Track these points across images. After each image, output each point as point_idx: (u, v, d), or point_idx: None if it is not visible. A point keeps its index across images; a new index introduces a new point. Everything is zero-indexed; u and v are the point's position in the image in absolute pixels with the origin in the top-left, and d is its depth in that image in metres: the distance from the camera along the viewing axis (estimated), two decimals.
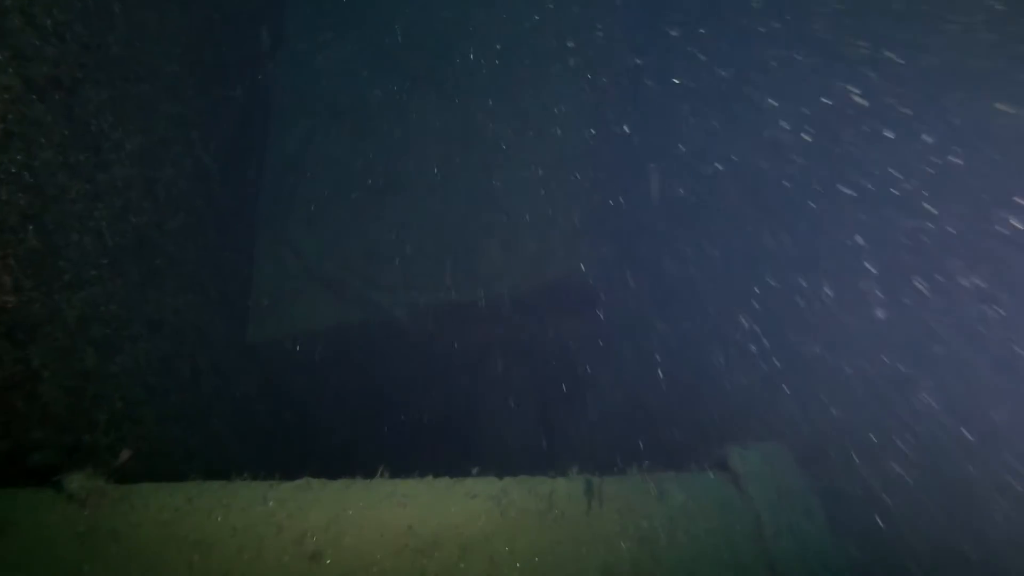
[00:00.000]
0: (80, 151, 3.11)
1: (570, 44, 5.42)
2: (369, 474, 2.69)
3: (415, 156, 5.47)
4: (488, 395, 5.08)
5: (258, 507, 2.46)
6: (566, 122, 5.34)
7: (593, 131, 5.15)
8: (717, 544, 2.39)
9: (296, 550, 2.31)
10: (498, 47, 5.52)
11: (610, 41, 5.21)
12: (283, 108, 5.55)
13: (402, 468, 2.77)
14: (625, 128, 4.84)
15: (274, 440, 4.54)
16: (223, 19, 4.59)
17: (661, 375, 4.20)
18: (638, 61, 4.97)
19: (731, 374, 3.52)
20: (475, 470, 2.79)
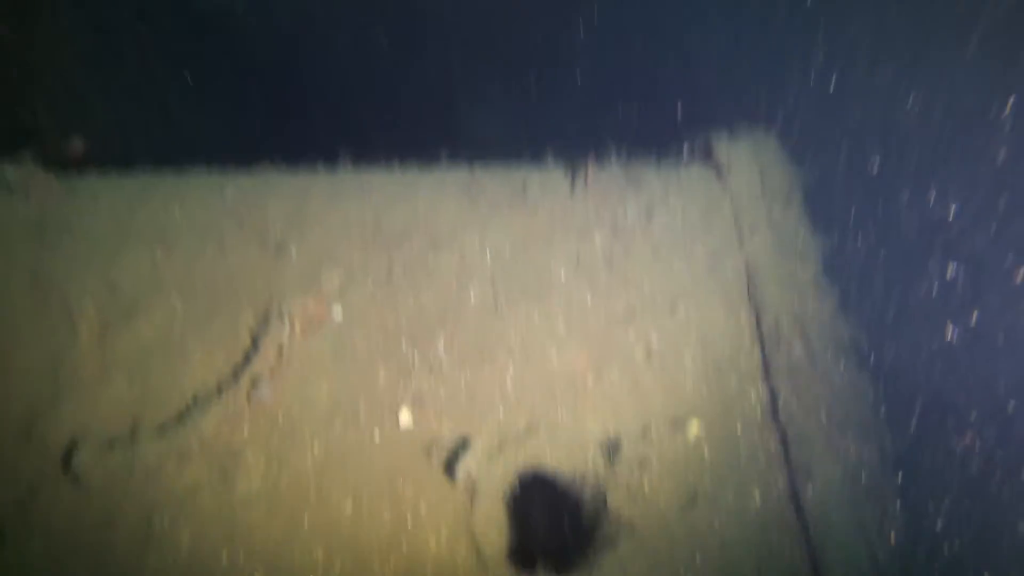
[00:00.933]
0: None
1: None
2: (332, 162, 2.53)
3: None
4: (464, 70, 4.72)
5: (217, 200, 2.34)
6: None
7: None
8: (692, 236, 2.34)
9: (259, 243, 2.23)
10: None
11: None
12: None
13: (367, 154, 2.61)
14: None
15: (230, 120, 4.28)
16: None
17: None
18: None
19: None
20: (444, 156, 2.62)
